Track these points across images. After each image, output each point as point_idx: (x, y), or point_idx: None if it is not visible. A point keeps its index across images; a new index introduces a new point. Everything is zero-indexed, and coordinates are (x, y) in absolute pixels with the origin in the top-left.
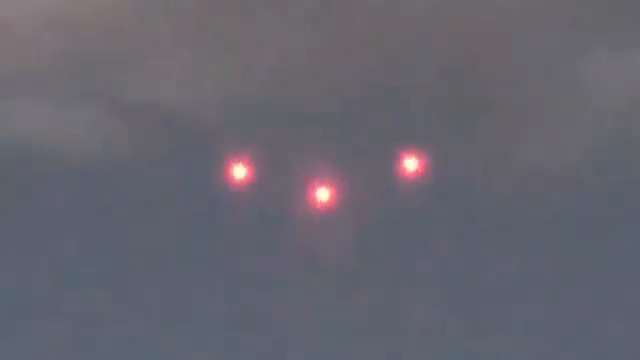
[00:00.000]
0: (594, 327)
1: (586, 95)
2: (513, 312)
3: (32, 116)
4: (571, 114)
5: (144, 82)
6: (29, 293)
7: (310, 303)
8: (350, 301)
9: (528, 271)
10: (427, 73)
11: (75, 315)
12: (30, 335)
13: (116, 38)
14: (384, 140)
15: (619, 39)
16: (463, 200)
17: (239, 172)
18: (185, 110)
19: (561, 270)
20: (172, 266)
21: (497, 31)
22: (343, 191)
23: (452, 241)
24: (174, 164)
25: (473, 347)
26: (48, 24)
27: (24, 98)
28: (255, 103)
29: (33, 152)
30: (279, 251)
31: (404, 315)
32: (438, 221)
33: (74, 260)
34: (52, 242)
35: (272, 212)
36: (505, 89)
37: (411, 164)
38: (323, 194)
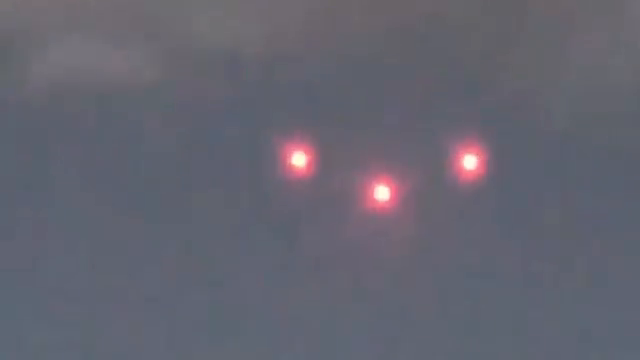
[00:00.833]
0: None
1: None
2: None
3: (83, 52)
4: None
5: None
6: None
7: (366, 302)
8: (408, 301)
9: (604, 270)
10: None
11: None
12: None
13: None
14: (443, 137)
15: None
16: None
17: (299, 160)
18: None
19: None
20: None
21: None
22: (401, 189)
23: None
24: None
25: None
26: None
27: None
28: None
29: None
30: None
31: (464, 314)
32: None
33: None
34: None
35: (329, 207)
36: None
37: (470, 162)
38: (382, 191)
